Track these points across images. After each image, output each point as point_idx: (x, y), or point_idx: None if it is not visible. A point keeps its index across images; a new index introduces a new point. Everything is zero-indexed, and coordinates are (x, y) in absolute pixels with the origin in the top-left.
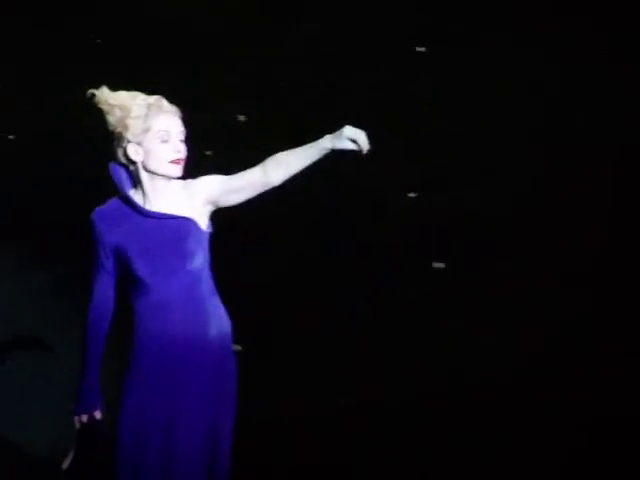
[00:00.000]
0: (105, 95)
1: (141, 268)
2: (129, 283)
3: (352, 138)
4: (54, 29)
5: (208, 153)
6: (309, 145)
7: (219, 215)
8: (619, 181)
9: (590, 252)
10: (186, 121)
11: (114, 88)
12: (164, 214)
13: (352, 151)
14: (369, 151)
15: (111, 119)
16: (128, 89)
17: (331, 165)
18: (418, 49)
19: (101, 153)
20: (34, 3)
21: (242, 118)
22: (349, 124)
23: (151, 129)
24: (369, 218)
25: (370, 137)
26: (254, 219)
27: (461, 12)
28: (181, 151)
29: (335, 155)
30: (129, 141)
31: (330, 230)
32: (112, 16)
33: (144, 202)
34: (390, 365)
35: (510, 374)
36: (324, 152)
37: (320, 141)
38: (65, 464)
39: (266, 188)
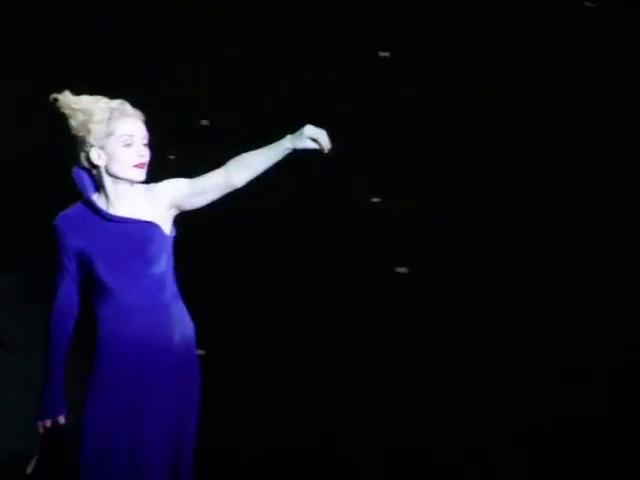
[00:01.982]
0: (68, 99)
1: (104, 272)
2: (92, 287)
3: (313, 137)
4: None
5: (171, 157)
6: (271, 146)
7: (183, 219)
8: (596, 183)
9: (564, 251)
10: (149, 125)
11: (77, 93)
12: (127, 218)
13: (314, 150)
14: (330, 150)
15: (74, 123)
16: (92, 93)
17: (295, 169)
18: (382, 54)
19: (66, 158)
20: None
21: (205, 122)
22: (311, 124)
23: (114, 133)
24: (332, 222)
25: (333, 141)
26: (218, 222)
27: (442, 17)
28: (144, 155)
29: (299, 159)
30: (92, 145)
31: (293, 234)
32: (75, 19)
33: (107, 206)
34: (355, 366)
35: (491, 379)
36: (286, 152)
37: (281, 141)
38: (29, 469)
39: (230, 190)
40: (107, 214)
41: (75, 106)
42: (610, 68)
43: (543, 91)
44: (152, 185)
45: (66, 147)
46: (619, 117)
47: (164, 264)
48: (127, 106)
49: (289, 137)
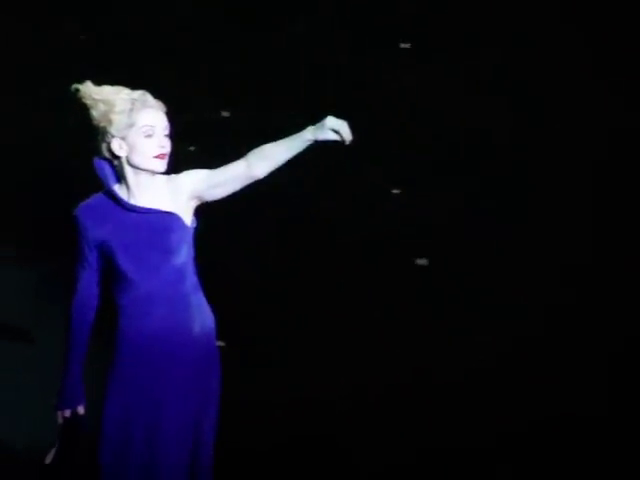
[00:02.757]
0: (89, 90)
1: (125, 263)
2: (113, 278)
3: (334, 129)
4: (44, 27)
5: (192, 148)
6: (292, 137)
7: (203, 210)
8: (603, 178)
9: (575, 250)
10: (170, 116)
11: (99, 84)
12: (148, 209)
13: (335, 142)
14: (352, 142)
15: (95, 114)
16: (113, 84)
17: (315, 160)
18: (402, 45)
19: (85, 148)
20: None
21: (226, 113)
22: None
23: (135, 124)
24: (353, 214)
25: (355, 132)
26: (238, 214)
27: (453, 10)
28: (165, 146)
29: (319, 150)
30: (113, 136)
31: (313, 226)
32: (96, 12)
33: (128, 197)
34: (373, 359)
35: (494, 372)
36: (307, 143)
37: (302, 132)
38: (48, 459)
39: (250, 181)
40: (128, 204)
41: (96, 96)
42: (612, 68)
43: (557, 86)
44: (173, 176)
45: (85, 137)
46: (621, 115)
47: (184, 255)
48: (148, 97)
49: (310, 128)
